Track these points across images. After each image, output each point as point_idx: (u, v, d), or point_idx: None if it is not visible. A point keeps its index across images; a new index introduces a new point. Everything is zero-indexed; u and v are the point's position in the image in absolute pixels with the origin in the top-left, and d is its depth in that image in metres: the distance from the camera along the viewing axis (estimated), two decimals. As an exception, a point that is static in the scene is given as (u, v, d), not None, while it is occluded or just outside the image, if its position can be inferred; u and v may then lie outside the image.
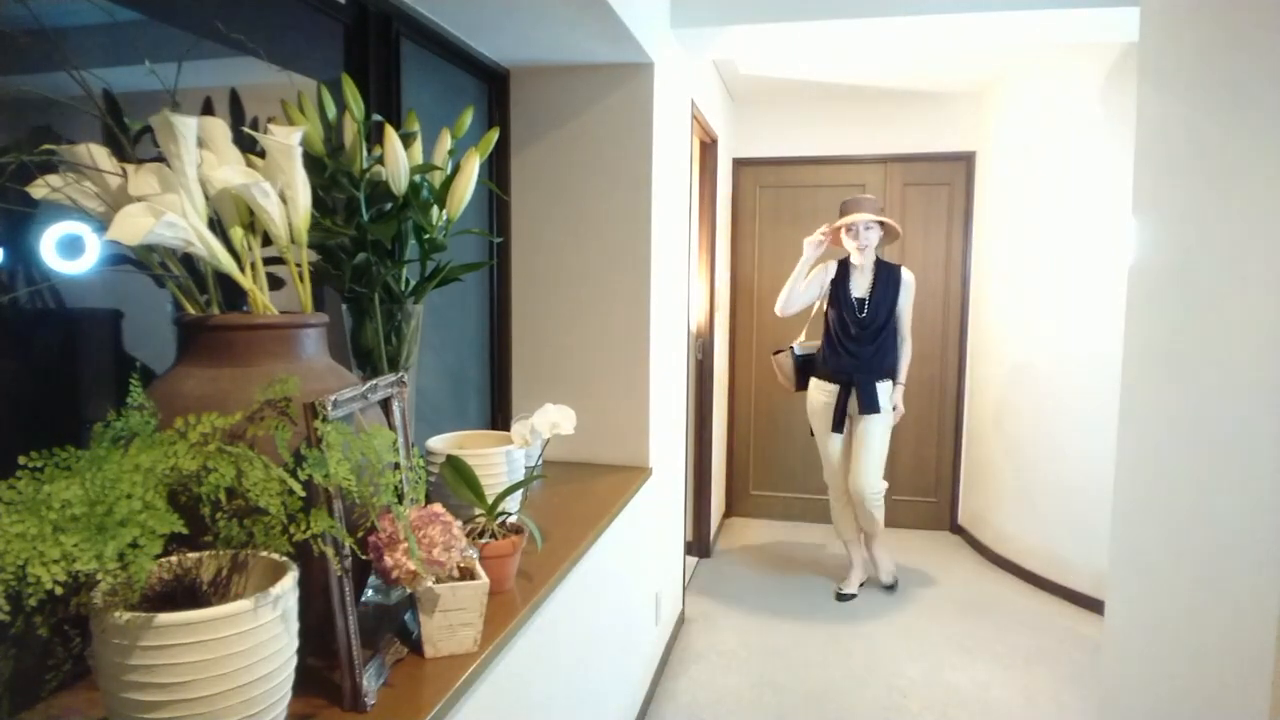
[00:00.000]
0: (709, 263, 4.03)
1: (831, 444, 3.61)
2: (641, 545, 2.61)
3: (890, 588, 3.77)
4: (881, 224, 3.47)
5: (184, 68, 1.07)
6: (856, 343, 3.49)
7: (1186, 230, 1.66)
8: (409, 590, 1.21)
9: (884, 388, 3.52)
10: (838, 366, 3.52)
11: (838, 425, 3.54)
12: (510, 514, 1.57)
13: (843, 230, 3.48)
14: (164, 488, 0.86)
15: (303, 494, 0.95)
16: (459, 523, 1.26)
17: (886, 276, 3.52)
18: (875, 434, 3.51)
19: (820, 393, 3.60)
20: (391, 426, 1.27)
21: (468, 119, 1.62)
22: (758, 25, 2.68)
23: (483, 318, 2.59)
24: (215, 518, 0.91)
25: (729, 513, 4.93)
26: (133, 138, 1.11)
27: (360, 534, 1.14)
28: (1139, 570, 1.81)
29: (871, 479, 3.52)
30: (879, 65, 3.89)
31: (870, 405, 3.48)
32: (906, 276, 3.54)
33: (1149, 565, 1.77)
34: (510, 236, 2.61)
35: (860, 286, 3.53)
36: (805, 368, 3.70)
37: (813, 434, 3.71)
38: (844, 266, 3.56)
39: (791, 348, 3.70)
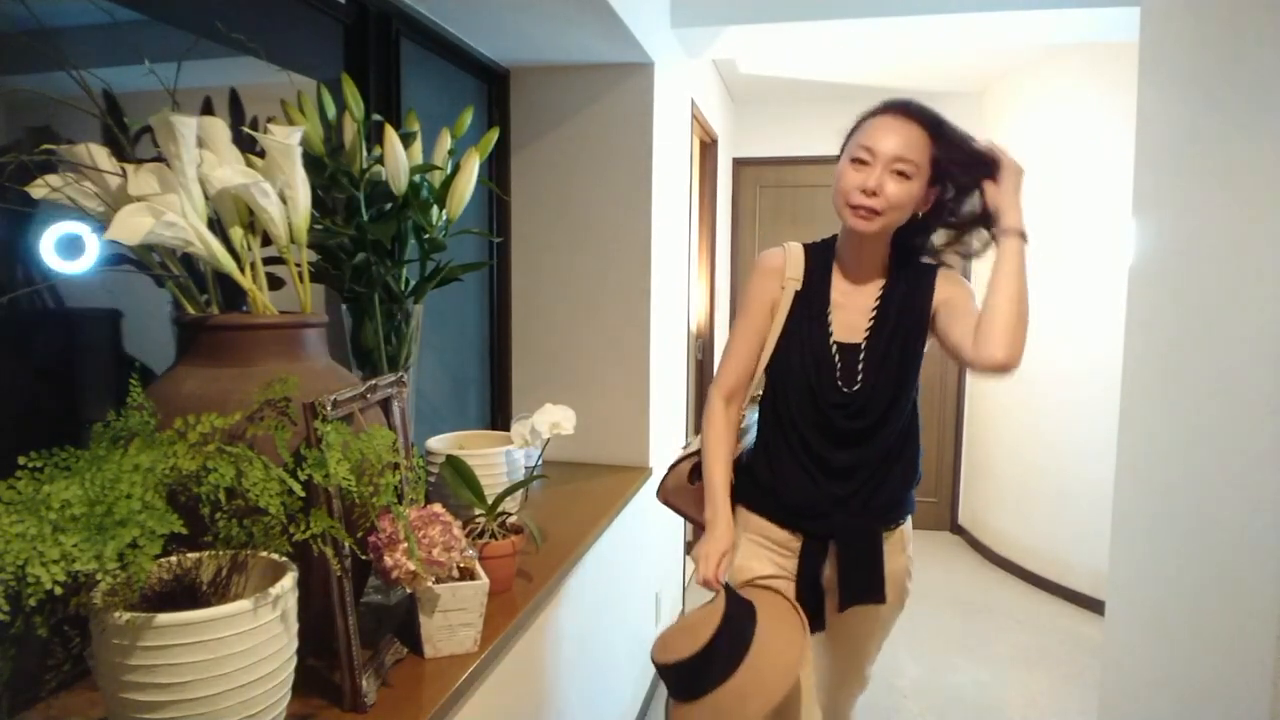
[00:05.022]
0: (709, 263, 4.03)
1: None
2: (641, 545, 2.61)
3: None
4: (944, 169, 1.42)
5: (183, 67, 1.07)
6: (840, 444, 1.50)
7: (1187, 230, 1.66)
8: (409, 590, 1.21)
9: (898, 544, 1.57)
10: (801, 500, 1.52)
11: (813, 622, 1.52)
12: (510, 514, 1.57)
13: (847, 159, 1.44)
14: (163, 488, 0.86)
15: (302, 494, 0.95)
16: (459, 523, 1.26)
17: (909, 292, 1.49)
18: (878, 631, 1.65)
19: (760, 549, 1.58)
20: (391, 426, 1.27)
21: (467, 119, 1.62)
22: (758, 25, 2.67)
23: (483, 318, 2.59)
24: (215, 518, 0.91)
25: (729, 513, 4.92)
26: (132, 138, 1.11)
27: (360, 534, 1.14)
28: (1139, 570, 1.81)
29: (865, 679, 1.73)
30: (879, 65, 3.89)
31: (871, 587, 1.52)
32: (944, 276, 1.51)
33: (1149, 565, 1.77)
34: (510, 236, 2.61)
35: (850, 316, 1.50)
36: (737, 483, 1.63)
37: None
38: (821, 264, 1.53)
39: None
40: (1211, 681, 1.50)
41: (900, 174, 1.39)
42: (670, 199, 2.84)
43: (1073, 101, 3.71)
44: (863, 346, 1.48)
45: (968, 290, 1.49)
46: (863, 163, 1.41)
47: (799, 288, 1.52)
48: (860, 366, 1.48)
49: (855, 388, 1.47)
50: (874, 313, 1.49)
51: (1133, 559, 1.84)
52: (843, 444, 1.50)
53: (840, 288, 1.52)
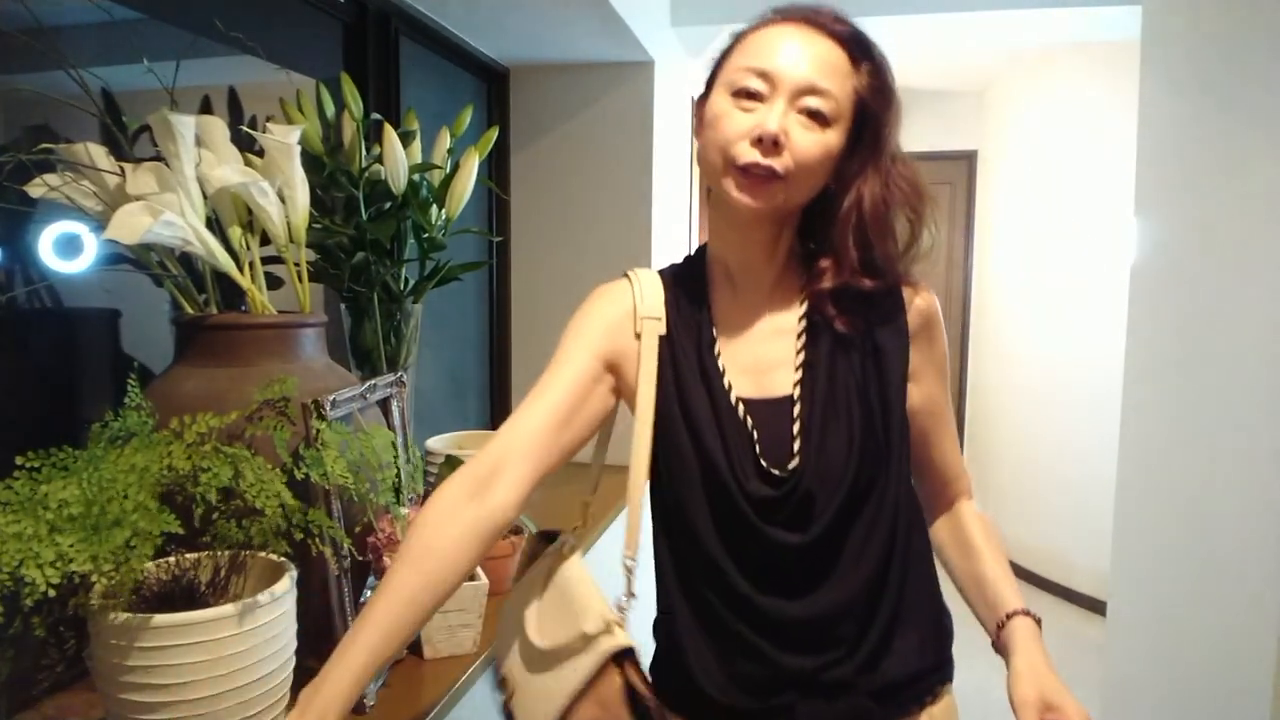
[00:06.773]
0: (709, 262, 4.02)
1: None
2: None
3: None
4: (868, 115, 0.84)
5: (182, 66, 1.07)
6: (784, 586, 0.85)
7: (1188, 229, 1.65)
8: (408, 591, 1.20)
9: None
10: (727, 686, 0.87)
11: None
12: (510, 514, 1.57)
13: (725, 93, 0.84)
14: (160, 488, 0.86)
15: (294, 499, 0.95)
16: (458, 523, 1.26)
17: (860, 310, 0.87)
18: None
19: None
20: (390, 426, 1.27)
21: (467, 117, 1.61)
22: (758, 24, 2.67)
23: (483, 318, 2.58)
24: (213, 518, 0.91)
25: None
26: (131, 137, 1.11)
27: (357, 530, 1.13)
28: (1141, 571, 1.80)
29: None
30: (880, 64, 3.88)
31: None
32: (922, 304, 0.90)
33: (1151, 566, 1.76)
34: (510, 236, 2.60)
35: (757, 349, 0.90)
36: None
37: None
38: (689, 286, 0.94)
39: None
40: (1213, 682, 1.50)
41: (816, 115, 0.82)
42: (671, 198, 2.84)
43: (1074, 100, 3.71)
44: (795, 398, 0.87)
45: (942, 357, 0.94)
46: (753, 96, 0.83)
47: (663, 330, 0.92)
48: (796, 428, 0.86)
49: (792, 464, 0.85)
50: (801, 340, 0.89)
51: (1134, 560, 1.84)
52: (788, 585, 0.86)
53: (728, 309, 0.92)
